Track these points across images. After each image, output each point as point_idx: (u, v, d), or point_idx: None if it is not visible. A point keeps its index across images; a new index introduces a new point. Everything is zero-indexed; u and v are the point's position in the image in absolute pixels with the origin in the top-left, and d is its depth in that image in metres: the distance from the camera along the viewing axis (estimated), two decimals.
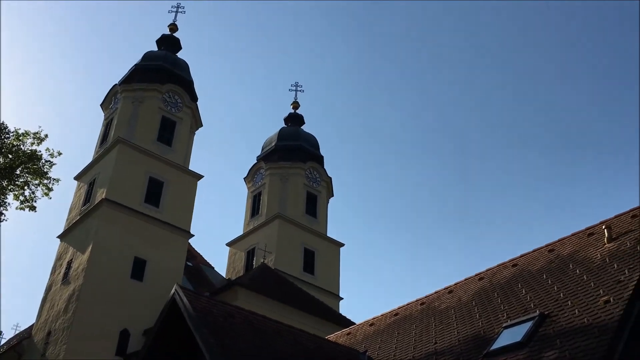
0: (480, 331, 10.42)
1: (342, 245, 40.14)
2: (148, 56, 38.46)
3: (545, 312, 9.43)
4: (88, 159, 38.41)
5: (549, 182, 73.68)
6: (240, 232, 40.14)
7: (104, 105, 37.80)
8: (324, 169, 42.26)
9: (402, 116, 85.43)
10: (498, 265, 13.69)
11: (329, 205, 42.35)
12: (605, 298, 8.64)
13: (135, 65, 37.75)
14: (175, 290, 11.28)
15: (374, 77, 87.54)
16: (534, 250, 13.10)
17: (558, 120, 74.16)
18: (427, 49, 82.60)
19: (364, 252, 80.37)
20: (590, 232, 11.95)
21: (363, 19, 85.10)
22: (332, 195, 42.83)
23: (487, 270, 13.89)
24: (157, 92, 35.95)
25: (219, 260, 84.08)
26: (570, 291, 9.75)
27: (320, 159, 42.72)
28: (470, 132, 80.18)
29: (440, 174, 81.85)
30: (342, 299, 38.05)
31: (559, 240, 12.75)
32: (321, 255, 38.68)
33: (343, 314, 31.52)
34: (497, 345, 9.28)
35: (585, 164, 72.01)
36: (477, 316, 11.27)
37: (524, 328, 9.22)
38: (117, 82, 37.38)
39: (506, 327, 9.77)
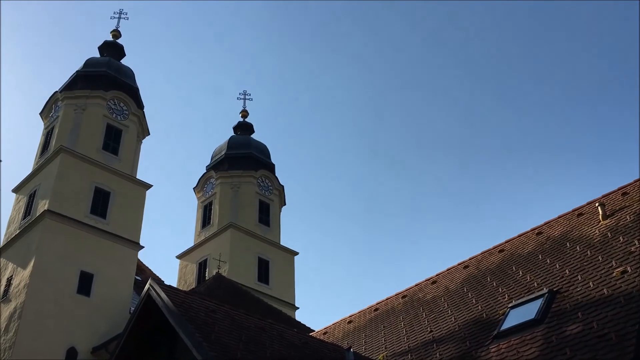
0: (482, 314, 9.90)
1: (297, 253, 39.30)
2: (90, 62, 36.71)
3: (555, 289, 9.01)
4: (26, 170, 36.26)
5: (503, 183, 74.65)
6: (191, 244, 38.70)
7: (44, 113, 35.79)
8: (276, 177, 41.43)
9: (351, 121, 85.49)
10: (482, 253, 13.31)
11: (282, 214, 41.53)
12: (620, 269, 8.29)
13: (77, 71, 35.92)
14: (150, 285, 10.28)
15: (323, 83, 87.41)
16: (520, 235, 12.80)
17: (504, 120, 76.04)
18: (379, 51, 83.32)
19: (318, 261, 79.49)
20: (580, 213, 11.73)
21: (311, 23, 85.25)
22: (285, 204, 42.01)
23: (471, 258, 13.48)
24: (101, 99, 34.32)
25: (169, 274, 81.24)
26: (576, 267, 9.39)
27: (271, 167, 41.87)
28: (426, 132, 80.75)
29: (392, 178, 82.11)
30: (297, 308, 37.17)
31: (545, 224, 12.50)
32: (275, 264, 37.71)
33: (302, 323, 30.64)
34: (507, 325, 8.77)
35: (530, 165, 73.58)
36: (474, 301, 10.78)
37: (535, 306, 8.76)
38: (57, 90, 35.54)
39: (512, 307, 9.29)
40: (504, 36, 74.10)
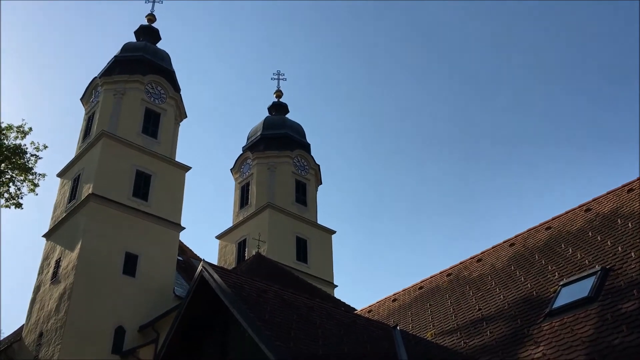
0: (532, 292, 9.89)
1: (334, 232, 39.57)
2: (127, 47, 37.27)
3: (607, 267, 8.94)
4: (69, 155, 37.12)
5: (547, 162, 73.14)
6: (230, 224, 39.29)
7: (84, 99, 36.53)
8: (312, 157, 41.58)
9: (389, 101, 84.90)
10: (528, 230, 13.22)
11: (318, 193, 41.73)
12: None
13: (115, 57, 36.52)
14: (203, 267, 10.55)
15: (358, 63, 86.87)
16: (567, 212, 12.66)
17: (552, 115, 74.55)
18: (420, 39, 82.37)
19: (356, 239, 79.60)
20: (630, 188, 11.54)
21: (345, 8, 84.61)
22: (321, 183, 42.18)
23: (517, 236, 13.41)
24: (139, 84, 34.84)
25: (209, 254, 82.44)
26: (629, 244, 9.28)
27: (307, 147, 42.02)
28: (466, 116, 79.72)
29: (434, 155, 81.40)
30: (336, 286, 37.50)
31: (593, 200, 12.34)
32: (313, 243, 38.03)
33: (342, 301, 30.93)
34: (559, 303, 8.75)
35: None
36: (522, 279, 10.76)
37: (587, 283, 8.71)
38: (96, 75, 36.17)
39: (564, 285, 9.26)
40: (504, 36, 72.27)
